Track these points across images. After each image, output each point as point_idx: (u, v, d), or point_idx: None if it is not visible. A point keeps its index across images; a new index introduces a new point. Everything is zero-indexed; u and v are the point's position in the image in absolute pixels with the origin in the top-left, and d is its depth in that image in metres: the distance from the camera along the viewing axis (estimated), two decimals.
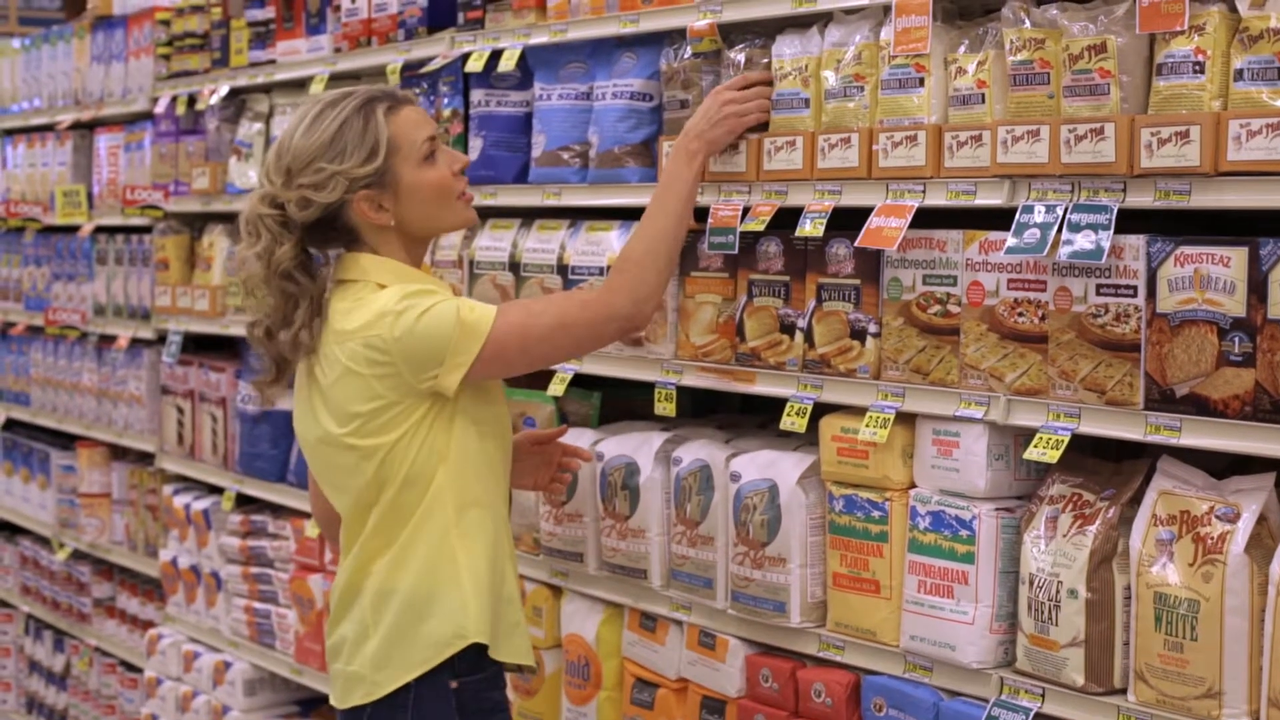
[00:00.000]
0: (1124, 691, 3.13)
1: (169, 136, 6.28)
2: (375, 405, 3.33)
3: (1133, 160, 3.05)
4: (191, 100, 6.07)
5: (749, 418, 4.36)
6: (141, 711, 6.37)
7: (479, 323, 3.31)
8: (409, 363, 3.30)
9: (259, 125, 5.74)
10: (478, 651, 3.39)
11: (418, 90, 4.81)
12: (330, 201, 3.35)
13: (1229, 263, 2.95)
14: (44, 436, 7.56)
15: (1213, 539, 2.99)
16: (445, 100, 4.71)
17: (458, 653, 3.36)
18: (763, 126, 3.77)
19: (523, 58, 4.43)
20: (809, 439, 3.74)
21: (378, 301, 3.34)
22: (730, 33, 3.89)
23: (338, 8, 5.21)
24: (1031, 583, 3.24)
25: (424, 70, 4.75)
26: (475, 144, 4.57)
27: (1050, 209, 3.19)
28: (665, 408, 3.99)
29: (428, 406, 3.35)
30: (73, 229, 7.08)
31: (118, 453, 6.88)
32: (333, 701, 3.52)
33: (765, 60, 3.79)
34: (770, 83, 3.76)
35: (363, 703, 3.40)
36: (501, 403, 3.55)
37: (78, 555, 7.17)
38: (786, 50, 3.76)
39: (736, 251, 3.78)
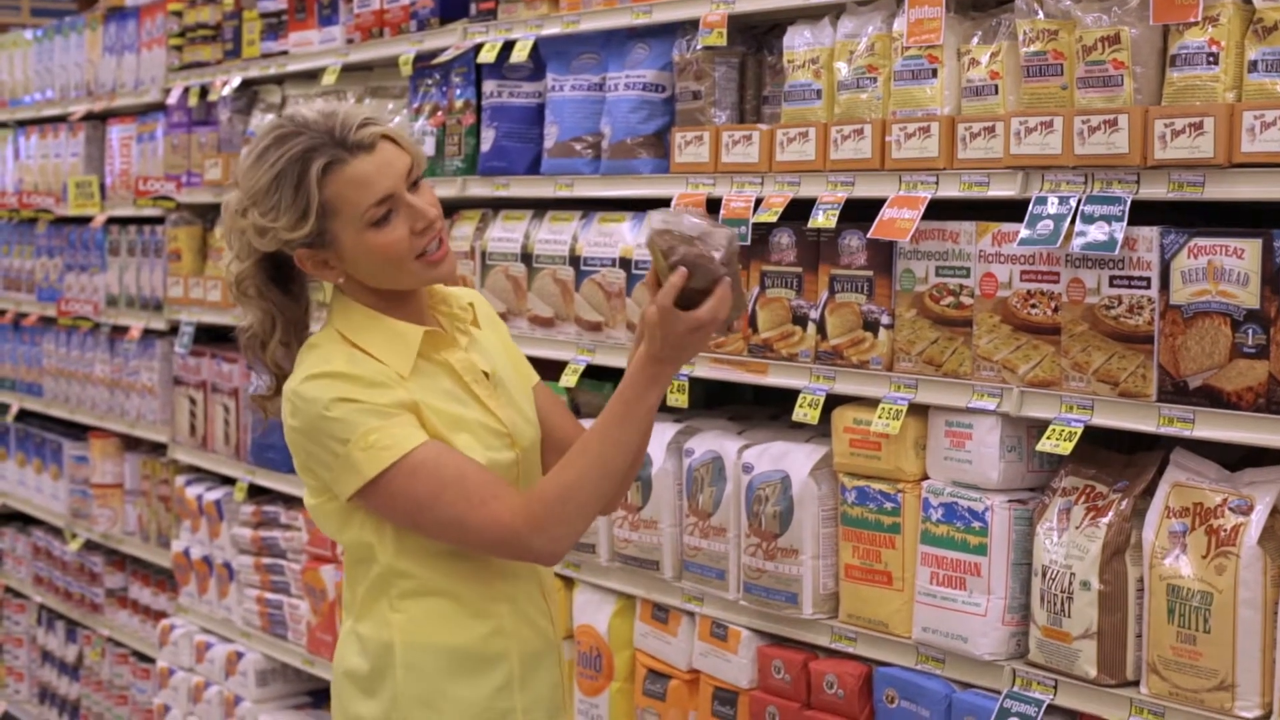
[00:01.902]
0: (1137, 684, 3.13)
1: (181, 128, 6.29)
2: (299, 460, 3.04)
3: (1146, 152, 3.05)
4: (204, 91, 6.07)
5: (761, 409, 4.36)
6: (154, 702, 6.38)
7: (367, 466, 2.88)
8: (303, 455, 2.99)
9: (271, 116, 5.74)
10: None
11: (430, 81, 4.82)
12: (270, 251, 2.95)
13: (1243, 254, 2.95)
14: (56, 427, 7.57)
15: (1226, 531, 2.99)
16: (457, 91, 4.71)
17: None
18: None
19: (535, 49, 4.43)
20: (821, 430, 3.74)
21: (301, 367, 2.97)
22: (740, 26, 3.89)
23: None
24: (1044, 574, 3.24)
25: (436, 61, 4.75)
26: (487, 135, 4.57)
27: (1063, 200, 3.18)
28: (678, 399, 3.99)
29: None
30: (85, 220, 7.09)
31: (130, 443, 6.89)
32: None
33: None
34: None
35: None
36: (502, 448, 3.05)
37: (90, 546, 7.18)
38: (799, 42, 3.75)
39: (749, 243, 3.78)
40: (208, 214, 6.26)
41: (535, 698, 3.09)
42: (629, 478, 3.17)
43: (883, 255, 3.56)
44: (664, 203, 4.00)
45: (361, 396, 2.90)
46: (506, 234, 4.50)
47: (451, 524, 2.90)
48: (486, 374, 3.08)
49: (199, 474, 6.28)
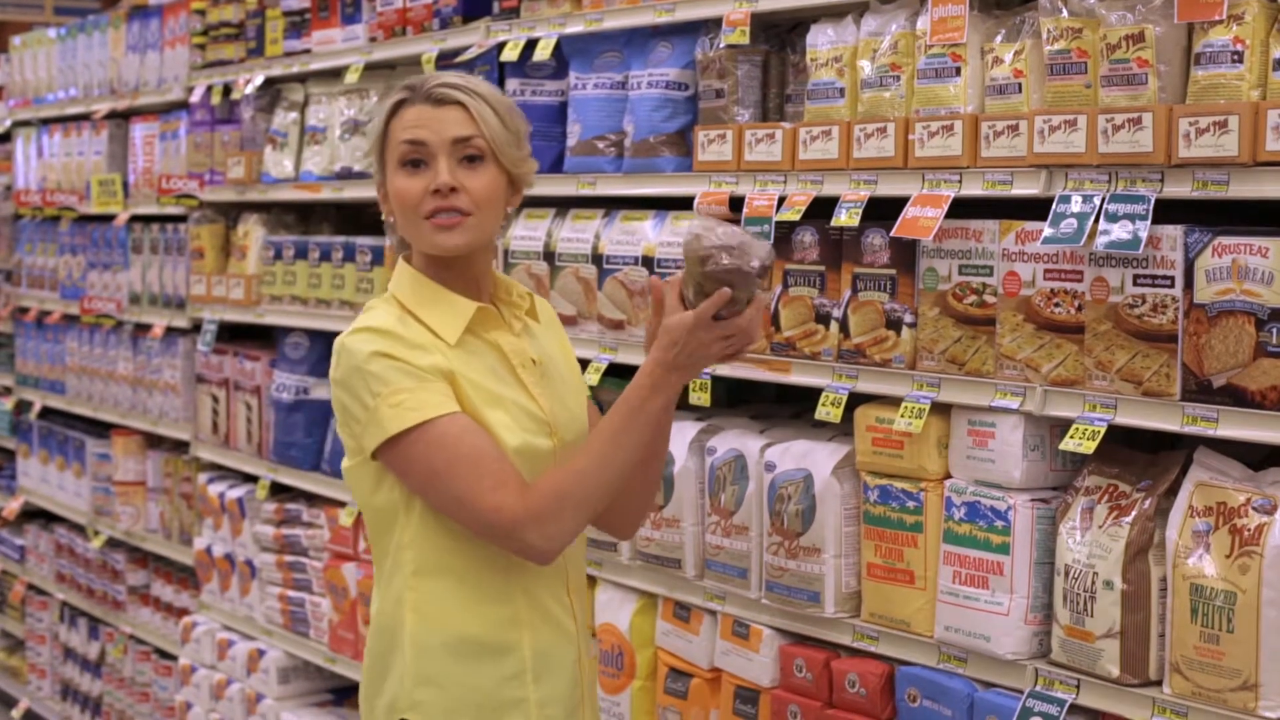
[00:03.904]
0: (1160, 683, 3.12)
1: (204, 126, 6.30)
2: (339, 422, 3.10)
3: (1171, 150, 3.04)
4: (227, 90, 6.09)
5: (783, 408, 4.35)
6: (176, 699, 6.39)
7: (390, 421, 2.93)
8: (339, 406, 3.05)
9: (294, 115, 5.76)
10: None
11: None
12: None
13: (1267, 253, 2.94)
14: (79, 424, 7.59)
15: (1249, 531, 2.98)
16: None
17: None
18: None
19: (558, 47, 4.43)
20: (844, 429, 3.74)
21: (352, 325, 3.06)
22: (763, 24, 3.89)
23: None
24: (1067, 574, 3.24)
25: (459, 59, 4.75)
26: None
27: (1087, 199, 3.18)
28: (700, 397, 3.99)
29: None
30: (108, 218, 7.11)
31: (153, 441, 6.91)
32: None
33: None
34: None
35: None
36: (537, 432, 3.09)
37: (113, 543, 7.20)
38: (822, 40, 3.75)
39: (772, 241, 3.78)
40: (230, 212, 6.27)
41: (552, 692, 3.09)
42: (651, 485, 3.21)
43: (906, 254, 3.56)
44: (687, 202, 4.00)
45: (401, 355, 2.97)
46: (529, 232, 4.51)
47: (456, 500, 2.94)
48: (534, 360, 3.13)
49: (221, 472, 6.29)
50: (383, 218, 3.16)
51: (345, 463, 3.13)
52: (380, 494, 3.06)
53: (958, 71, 3.45)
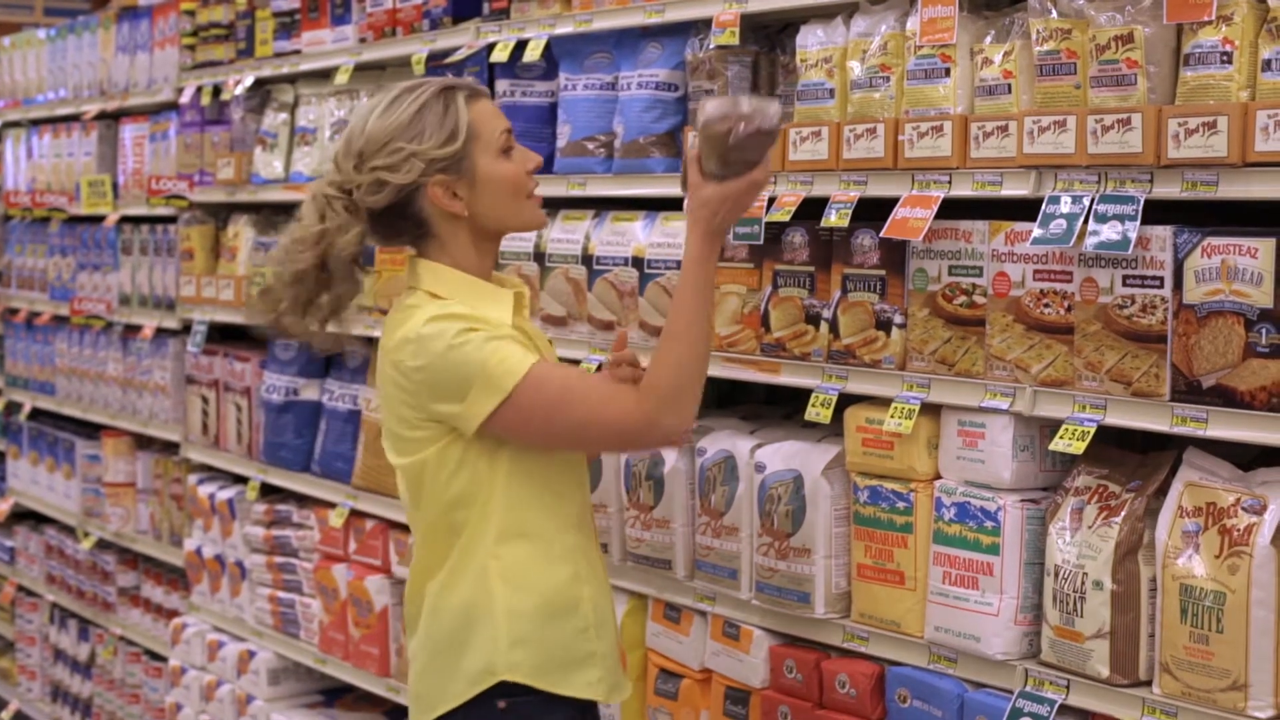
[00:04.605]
0: (1149, 684, 3.13)
1: (194, 127, 6.29)
2: (403, 426, 3.26)
3: (1160, 151, 3.04)
4: (216, 91, 6.08)
5: (773, 409, 4.35)
6: (166, 700, 6.38)
7: (504, 379, 3.13)
8: (429, 393, 3.19)
9: (284, 115, 5.75)
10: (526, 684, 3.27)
11: None
12: (405, 184, 3.22)
13: (1256, 254, 2.94)
14: (69, 426, 7.58)
15: (1239, 531, 2.98)
16: None
17: (504, 683, 3.25)
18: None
19: (548, 48, 4.43)
20: (834, 430, 3.74)
21: (412, 320, 3.21)
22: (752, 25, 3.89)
23: None
24: (1057, 574, 3.24)
25: (449, 60, 4.75)
26: None
27: (1077, 200, 3.18)
28: None
29: (458, 434, 3.23)
30: (98, 219, 7.10)
31: (143, 442, 6.90)
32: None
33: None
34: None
35: None
36: None
37: (102, 544, 7.19)
38: (811, 41, 3.75)
39: (762, 242, 3.78)
40: (220, 213, 6.27)
41: (609, 646, 3.35)
42: (709, 337, 3.37)
43: (895, 254, 3.56)
44: (676, 203, 4.00)
45: (482, 326, 3.19)
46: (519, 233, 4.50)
47: (582, 426, 3.19)
48: (548, 344, 3.46)
49: (211, 473, 6.28)
50: (441, 207, 3.26)
51: (406, 460, 3.28)
52: (462, 475, 3.23)
53: (947, 72, 3.45)
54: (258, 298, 3.36)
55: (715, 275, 3.32)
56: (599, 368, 4.21)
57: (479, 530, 3.24)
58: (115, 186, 7.00)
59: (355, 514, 5.28)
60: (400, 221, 3.30)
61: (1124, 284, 3.14)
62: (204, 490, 6.16)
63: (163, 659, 6.60)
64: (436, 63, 4.82)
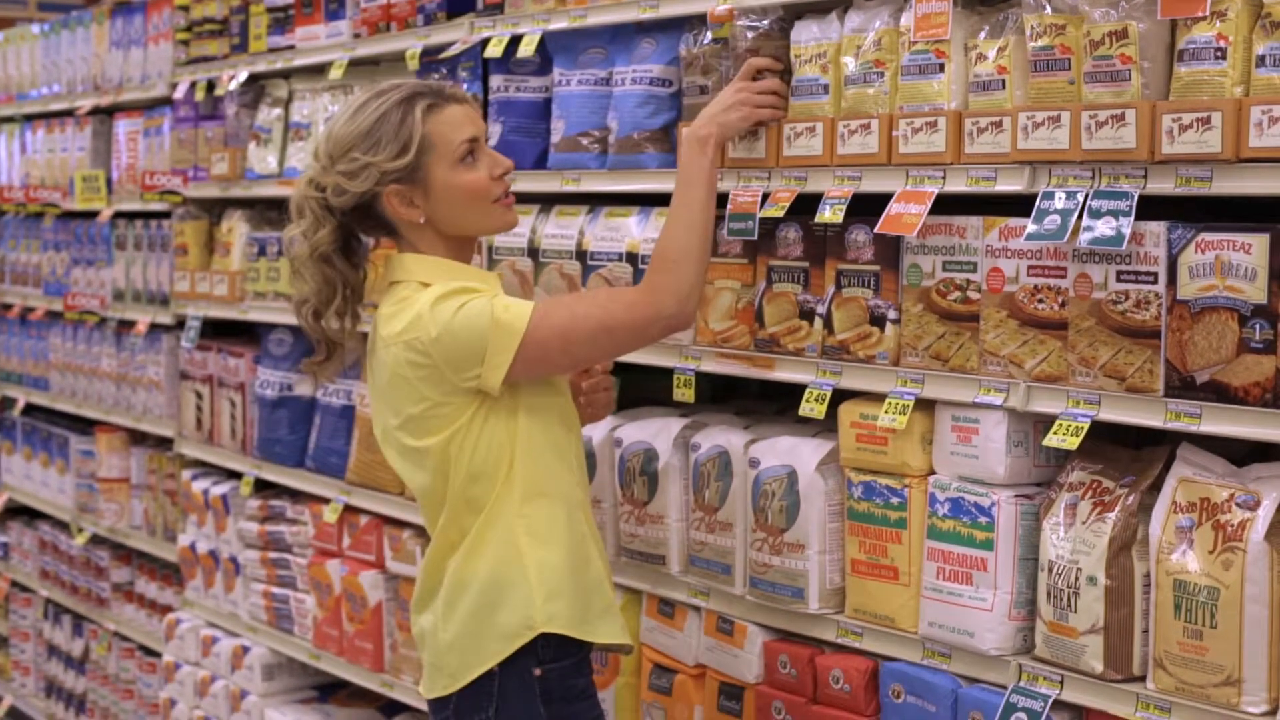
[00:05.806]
0: (1143, 679, 3.13)
1: (188, 122, 6.28)
2: (423, 406, 3.35)
3: (1154, 146, 3.05)
4: (210, 86, 6.07)
5: (767, 404, 4.36)
6: (160, 696, 6.38)
7: (515, 321, 3.28)
8: (449, 363, 3.30)
9: (278, 111, 5.75)
10: (560, 639, 3.39)
11: (436, 76, 4.81)
12: (361, 191, 3.36)
13: (1250, 249, 2.94)
14: (63, 421, 7.57)
15: (1233, 526, 2.99)
16: (464, 86, 4.71)
17: (541, 642, 3.36)
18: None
19: (542, 43, 4.43)
20: (828, 425, 3.74)
21: (416, 303, 3.32)
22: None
23: None
24: (1051, 569, 3.24)
25: (443, 56, 4.75)
26: (494, 130, 4.57)
27: (1071, 195, 3.18)
28: (684, 394, 3.99)
29: (479, 403, 3.35)
30: (92, 214, 7.09)
31: (136, 438, 6.90)
32: (420, 690, 3.56)
33: (775, 49, 3.78)
34: (779, 70, 3.75)
35: (445, 694, 3.42)
36: (565, 392, 3.55)
37: (96, 540, 7.19)
38: (806, 36, 3.75)
39: (756, 238, 3.78)
40: (214, 208, 6.26)
41: (614, 603, 3.54)
42: (709, 234, 3.56)
43: (889, 250, 3.56)
44: (670, 199, 3.99)
45: (483, 291, 3.34)
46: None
47: (599, 333, 3.36)
48: None
49: (205, 468, 6.28)
50: (398, 216, 3.40)
51: (430, 440, 3.36)
52: (482, 445, 3.35)
53: (941, 68, 3.45)
54: (297, 310, 3.48)
55: (707, 176, 3.54)
56: None
57: (504, 496, 3.37)
58: (109, 182, 7.00)
59: (349, 509, 5.28)
60: (367, 221, 3.47)
61: (1118, 279, 3.14)
62: (198, 486, 6.15)
63: (157, 654, 6.60)
64: (430, 58, 4.81)
